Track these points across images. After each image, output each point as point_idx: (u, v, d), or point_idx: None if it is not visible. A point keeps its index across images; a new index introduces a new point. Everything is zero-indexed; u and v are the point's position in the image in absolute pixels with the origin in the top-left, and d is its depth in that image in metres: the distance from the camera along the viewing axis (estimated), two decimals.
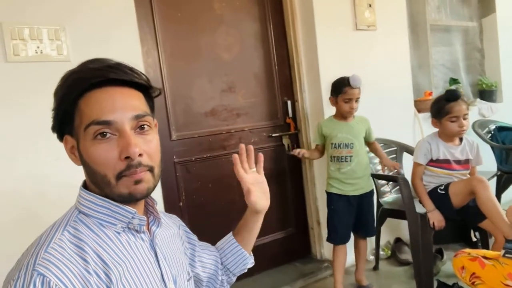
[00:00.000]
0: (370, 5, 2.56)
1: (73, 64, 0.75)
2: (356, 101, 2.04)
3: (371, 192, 2.15)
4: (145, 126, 0.72)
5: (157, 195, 1.95)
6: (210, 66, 2.20)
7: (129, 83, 0.72)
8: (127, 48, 1.79)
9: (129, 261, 0.71)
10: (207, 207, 2.19)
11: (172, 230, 0.91)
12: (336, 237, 2.09)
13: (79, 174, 0.76)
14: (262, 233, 2.41)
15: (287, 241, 2.47)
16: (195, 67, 2.16)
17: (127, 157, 0.68)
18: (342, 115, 2.09)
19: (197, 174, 2.16)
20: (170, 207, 2.04)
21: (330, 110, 2.37)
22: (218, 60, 2.23)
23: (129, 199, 0.71)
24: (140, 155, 0.69)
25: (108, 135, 0.68)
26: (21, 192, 1.55)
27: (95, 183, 0.71)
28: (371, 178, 2.17)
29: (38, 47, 1.55)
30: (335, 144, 2.08)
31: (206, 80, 2.19)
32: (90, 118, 0.68)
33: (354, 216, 2.10)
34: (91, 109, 0.68)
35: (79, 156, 0.72)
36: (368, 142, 2.19)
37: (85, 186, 0.75)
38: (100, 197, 0.71)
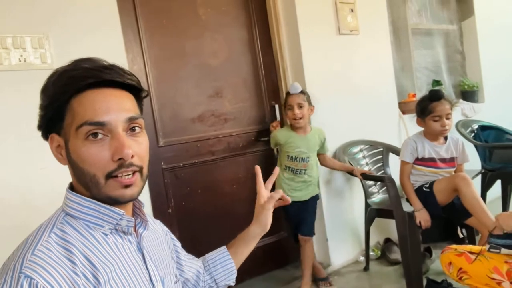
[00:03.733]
0: (352, 10, 2.61)
1: None
2: (300, 107, 2.07)
3: (317, 195, 2.25)
4: (136, 128, 0.73)
5: (146, 202, 1.93)
6: (196, 72, 2.21)
7: (122, 85, 0.73)
8: (112, 55, 1.75)
9: (116, 262, 0.71)
10: (196, 213, 2.18)
11: (158, 234, 0.91)
12: (290, 236, 2.30)
13: (65, 182, 0.75)
14: None
15: (278, 245, 2.47)
16: (182, 73, 2.17)
17: (119, 159, 0.68)
18: (292, 125, 2.17)
19: (186, 180, 2.16)
20: (158, 214, 2.03)
21: (317, 115, 2.41)
22: (204, 66, 2.24)
23: (117, 202, 0.71)
24: (132, 156, 0.70)
25: (100, 135, 0.68)
26: (7, 201, 1.53)
27: (83, 184, 0.71)
28: (318, 182, 2.27)
29: (21, 56, 1.54)
30: (292, 156, 2.13)
31: (193, 86, 2.20)
32: (83, 118, 0.68)
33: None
34: (84, 109, 0.68)
35: (67, 155, 0.72)
36: (318, 153, 2.23)
37: (71, 188, 0.75)
38: (87, 198, 0.71)
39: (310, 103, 2.14)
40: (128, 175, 0.70)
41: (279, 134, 2.18)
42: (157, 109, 2.07)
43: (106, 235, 0.72)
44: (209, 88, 2.26)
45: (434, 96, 2.02)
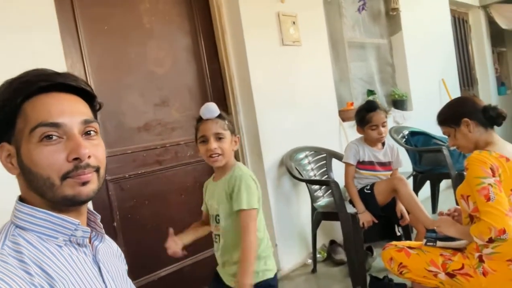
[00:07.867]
0: (294, 23, 2.72)
1: None
2: (218, 138, 1.35)
3: (264, 283, 1.37)
4: (92, 132, 0.73)
5: None
6: (141, 80, 2.15)
7: (75, 91, 0.73)
8: (50, 60, 1.68)
9: (72, 275, 0.69)
10: (144, 225, 2.10)
11: (113, 249, 0.89)
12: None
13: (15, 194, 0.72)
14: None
15: None
16: (125, 81, 2.10)
17: (75, 159, 0.68)
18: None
19: (132, 192, 2.08)
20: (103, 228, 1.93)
21: (264, 123, 2.45)
22: (149, 74, 2.19)
23: (73, 202, 0.70)
24: (89, 157, 0.69)
25: (55, 137, 0.68)
26: None
27: (37, 190, 0.68)
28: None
29: None
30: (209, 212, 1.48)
31: (138, 94, 2.14)
32: (37, 121, 0.67)
33: None
34: (38, 112, 0.68)
35: (18, 163, 0.69)
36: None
37: (21, 200, 0.72)
38: (40, 209, 0.69)
39: (233, 132, 1.42)
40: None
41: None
42: (100, 118, 1.96)
43: (60, 247, 0.70)
44: (154, 96, 2.21)
45: (370, 107, 2.21)
